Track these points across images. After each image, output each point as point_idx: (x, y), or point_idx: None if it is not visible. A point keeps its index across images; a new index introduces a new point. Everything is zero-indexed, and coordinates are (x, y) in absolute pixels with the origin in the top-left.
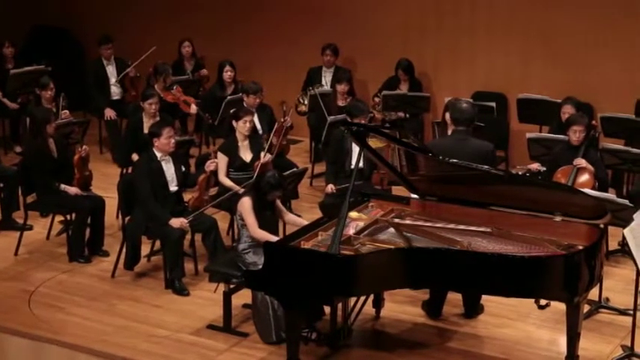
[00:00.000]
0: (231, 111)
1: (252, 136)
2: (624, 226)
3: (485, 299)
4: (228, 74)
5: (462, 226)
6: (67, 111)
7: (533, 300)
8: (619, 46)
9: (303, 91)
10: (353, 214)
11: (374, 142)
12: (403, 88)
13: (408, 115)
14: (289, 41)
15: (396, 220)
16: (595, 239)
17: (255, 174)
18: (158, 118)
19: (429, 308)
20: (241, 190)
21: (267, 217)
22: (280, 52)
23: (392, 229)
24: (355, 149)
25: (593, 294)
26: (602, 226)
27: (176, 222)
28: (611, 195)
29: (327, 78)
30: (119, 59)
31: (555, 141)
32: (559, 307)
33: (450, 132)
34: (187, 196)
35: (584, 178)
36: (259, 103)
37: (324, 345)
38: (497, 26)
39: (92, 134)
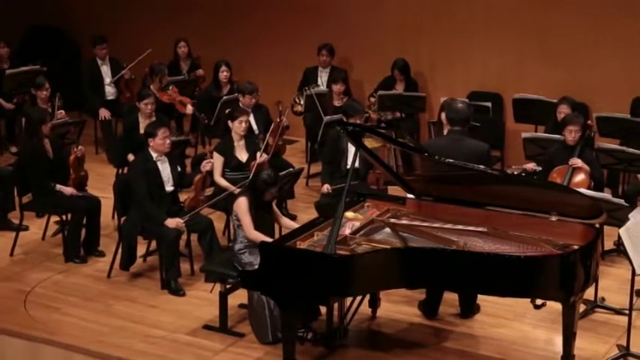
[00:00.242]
0: (227, 111)
1: (248, 136)
2: (620, 226)
3: (482, 299)
4: (224, 74)
5: (458, 226)
6: (62, 111)
7: (529, 300)
8: (614, 45)
9: (299, 91)
10: (349, 214)
11: (370, 142)
12: (399, 88)
13: (403, 115)
14: (285, 41)
15: (392, 220)
16: (591, 239)
17: (251, 174)
18: (154, 119)
19: (425, 308)
20: (237, 190)
21: (264, 218)
22: (276, 53)
23: (388, 229)
24: (351, 149)
25: (589, 294)
26: (597, 225)
27: (172, 222)
28: (606, 195)
29: (323, 78)
30: (114, 59)
31: (551, 141)
32: (555, 306)
33: (445, 132)
34: (183, 197)
35: (580, 177)
36: (255, 104)
37: (320, 345)
38: (493, 26)
39: (88, 134)
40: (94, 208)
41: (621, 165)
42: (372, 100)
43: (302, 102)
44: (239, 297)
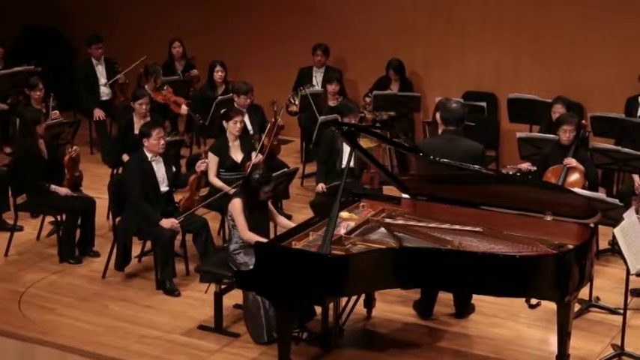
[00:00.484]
0: (222, 111)
1: (243, 136)
2: (614, 226)
3: (476, 299)
4: (218, 74)
5: (453, 226)
6: (56, 111)
7: (524, 299)
8: (609, 45)
9: (294, 92)
10: (344, 214)
11: (365, 142)
12: (394, 88)
13: (394, 114)
14: (280, 41)
15: (387, 220)
16: (585, 238)
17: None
18: (149, 119)
19: (420, 308)
20: (232, 191)
21: (260, 218)
22: (271, 53)
23: (383, 229)
24: (346, 149)
25: (584, 293)
26: (592, 225)
27: (167, 222)
28: (601, 194)
29: (317, 78)
30: (109, 60)
31: (545, 140)
32: (550, 306)
33: (440, 132)
34: (178, 197)
35: (575, 177)
36: (250, 104)
37: (315, 345)
38: (488, 26)
39: (82, 135)
40: (88, 209)
41: (616, 165)
42: (367, 100)
43: (297, 102)
44: (234, 297)
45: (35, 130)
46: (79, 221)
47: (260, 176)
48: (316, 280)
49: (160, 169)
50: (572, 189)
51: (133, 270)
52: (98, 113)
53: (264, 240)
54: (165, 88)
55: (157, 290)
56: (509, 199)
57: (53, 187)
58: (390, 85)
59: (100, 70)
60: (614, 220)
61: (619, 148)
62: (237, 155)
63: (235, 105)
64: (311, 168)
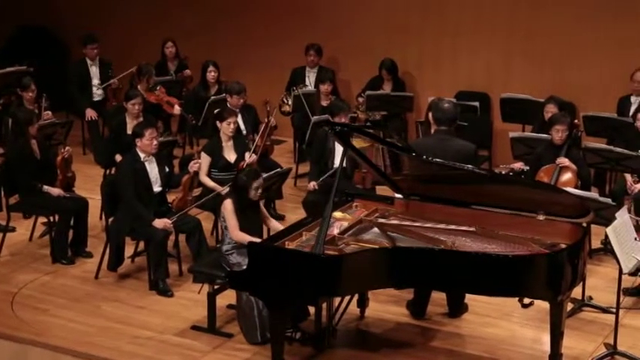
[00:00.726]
0: (216, 111)
1: (237, 136)
2: (607, 225)
3: (470, 298)
4: (211, 74)
5: (445, 226)
6: (49, 112)
7: (517, 299)
8: (601, 45)
9: (287, 92)
10: (337, 214)
11: (358, 142)
12: (387, 88)
13: (387, 114)
14: (273, 41)
15: (381, 220)
16: (578, 238)
17: None
18: (141, 119)
19: (414, 308)
20: (224, 191)
21: (252, 219)
22: (264, 53)
23: (376, 229)
24: (338, 149)
25: (577, 292)
26: (585, 224)
27: (160, 223)
28: (593, 194)
29: (310, 78)
30: (103, 61)
31: (538, 140)
32: (543, 305)
33: (432, 132)
34: (171, 197)
35: (567, 176)
36: (243, 104)
37: (308, 345)
38: (480, 26)
39: (75, 135)
40: (81, 209)
41: (608, 164)
42: (360, 100)
43: (290, 102)
44: (227, 297)
45: (28, 131)
46: (71, 222)
47: (246, 173)
48: (309, 280)
49: (152, 170)
50: (564, 188)
51: (125, 270)
52: (90, 113)
53: (257, 240)
54: (157, 88)
55: (150, 291)
56: (502, 198)
57: (46, 187)
58: (382, 85)
59: (94, 71)
60: (607, 220)
61: (611, 147)
62: (231, 155)
63: (228, 105)
64: (304, 168)
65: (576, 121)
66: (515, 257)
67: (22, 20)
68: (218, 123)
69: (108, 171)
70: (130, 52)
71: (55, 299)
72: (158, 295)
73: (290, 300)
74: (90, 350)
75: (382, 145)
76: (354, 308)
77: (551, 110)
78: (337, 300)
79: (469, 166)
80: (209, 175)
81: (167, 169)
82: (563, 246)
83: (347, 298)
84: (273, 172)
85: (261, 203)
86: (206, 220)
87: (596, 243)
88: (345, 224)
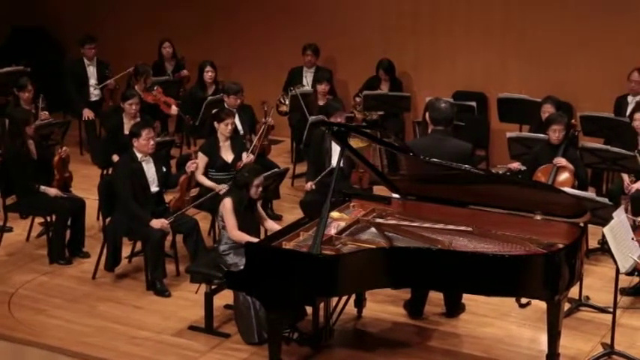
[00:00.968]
0: (213, 112)
1: (234, 136)
2: (604, 225)
3: (467, 298)
4: (208, 75)
5: (443, 226)
6: (46, 112)
7: (514, 299)
8: (598, 45)
9: (284, 92)
10: (334, 214)
11: (355, 142)
12: (384, 88)
13: (383, 113)
14: (270, 41)
15: (378, 220)
16: (575, 238)
17: None
18: (138, 119)
19: (411, 308)
20: (222, 190)
21: (250, 219)
22: (261, 53)
23: (373, 229)
24: (335, 149)
25: (574, 292)
26: (582, 224)
27: (157, 223)
28: (590, 193)
29: (308, 78)
30: (101, 61)
31: (535, 140)
32: (540, 305)
33: (429, 132)
34: (168, 197)
35: (564, 176)
36: (240, 104)
37: (306, 345)
38: (478, 26)
39: (72, 135)
40: (78, 209)
41: (605, 164)
42: (357, 100)
43: (287, 102)
44: (224, 298)
45: (24, 131)
46: (68, 222)
47: (246, 169)
48: (307, 280)
49: (150, 170)
50: (561, 188)
51: (123, 271)
52: (87, 113)
53: (255, 240)
54: (155, 88)
55: (147, 291)
56: (499, 198)
57: (43, 187)
58: (380, 85)
59: (92, 71)
60: (604, 220)
61: (608, 147)
62: (228, 156)
63: (225, 105)
64: (301, 168)
65: (573, 121)
66: (512, 257)
67: (19, 21)
68: (216, 124)
69: (105, 171)
70: (127, 53)
71: (52, 299)
72: (155, 296)
73: (287, 300)
74: (87, 350)
75: (379, 145)
76: (351, 308)
77: (548, 110)
78: (334, 300)
79: (466, 165)
80: (206, 175)
81: (164, 169)
82: (561, 246)
83: (344, 298)
84: (270, 172)
85: (259, 204)
86: (203, 221)
87: (593, 243)
88: (343, 224)
